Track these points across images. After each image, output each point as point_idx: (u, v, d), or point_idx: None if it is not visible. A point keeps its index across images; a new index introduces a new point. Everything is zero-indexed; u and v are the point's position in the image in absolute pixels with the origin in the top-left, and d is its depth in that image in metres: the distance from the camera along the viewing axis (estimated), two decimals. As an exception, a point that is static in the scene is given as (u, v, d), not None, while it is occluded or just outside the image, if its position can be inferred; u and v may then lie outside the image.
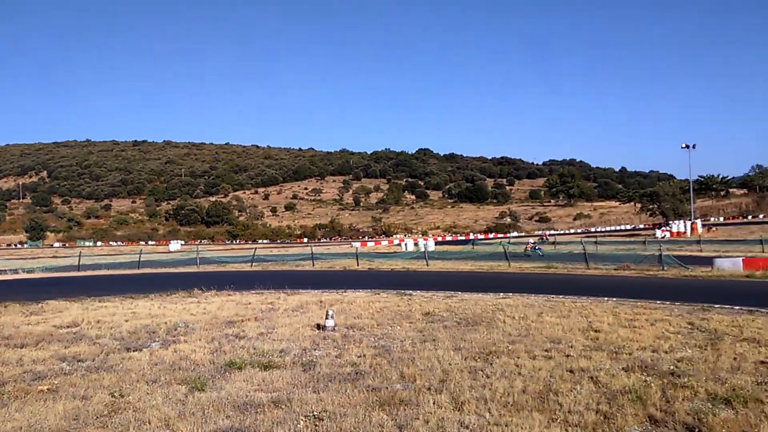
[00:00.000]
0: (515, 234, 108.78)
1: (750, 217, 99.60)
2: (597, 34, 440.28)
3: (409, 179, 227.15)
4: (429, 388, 8.64)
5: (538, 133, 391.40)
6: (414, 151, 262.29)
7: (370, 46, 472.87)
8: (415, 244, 67.58)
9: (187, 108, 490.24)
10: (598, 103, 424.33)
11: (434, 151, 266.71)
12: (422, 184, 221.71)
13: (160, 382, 9.35)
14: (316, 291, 23.77)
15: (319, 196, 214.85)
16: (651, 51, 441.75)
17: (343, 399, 8.15)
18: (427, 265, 40.36)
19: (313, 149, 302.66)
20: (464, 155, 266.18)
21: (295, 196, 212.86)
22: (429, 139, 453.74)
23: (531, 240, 40.60)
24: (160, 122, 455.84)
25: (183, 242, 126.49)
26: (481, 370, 9.70)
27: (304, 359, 10.82)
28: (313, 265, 44.01)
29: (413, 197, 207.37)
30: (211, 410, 7.75)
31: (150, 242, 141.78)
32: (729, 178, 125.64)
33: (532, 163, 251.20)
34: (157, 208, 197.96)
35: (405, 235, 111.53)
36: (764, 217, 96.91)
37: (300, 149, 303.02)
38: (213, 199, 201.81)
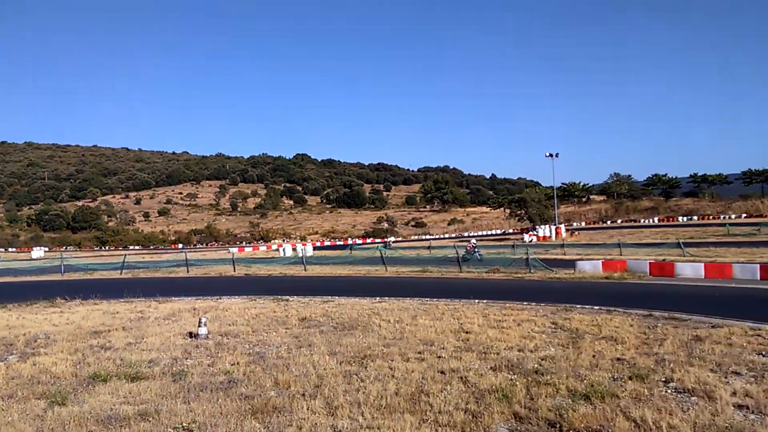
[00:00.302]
0: (393, 239, 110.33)
1: (609, 221, 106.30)
2: (467, 42, 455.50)
3: (287, 184, 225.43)
4: (303, 394, 8.63)
5: (414, 140, 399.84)
6: (292, 156, 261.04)
7: (245, 47, 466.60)
8: (294, 249, 67.11)
9: (49, 108, 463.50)
10: (471, 112, 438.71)
11: (312, 157, 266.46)
12: (300, 189, 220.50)
13: (17, 397, 8.83)
14: (189, 298, 23.14)
15: (195, 201, 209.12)
16: (517, 63, 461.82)
17: (215, 409, 7.99)
18: (305, 270, 40.20)
19: (187, 153, 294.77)
20: (342, 161, 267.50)
21: (169, 201, 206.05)
22: (307, 145, 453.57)
23: (473, 240, 41.34)
24: (21, 122, 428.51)
25: (47, 249, 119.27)
26: (356, 374, 9.79)
27: (174, 369, 10.52)
28: (188, 271, 42.79)
29: (291, 202, 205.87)
30: (72, 425, 7.39)
31: (10, 249, 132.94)
32: (590, 185, 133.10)
33: (408, 170, 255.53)
34: (18, 213, 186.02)
35: (284, 241, 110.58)
36: (621, 221, 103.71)
37: (174, 153, 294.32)
38: (80, 203, 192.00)
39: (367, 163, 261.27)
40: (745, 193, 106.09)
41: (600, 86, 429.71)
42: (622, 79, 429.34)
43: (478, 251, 37.33)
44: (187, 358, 11.51)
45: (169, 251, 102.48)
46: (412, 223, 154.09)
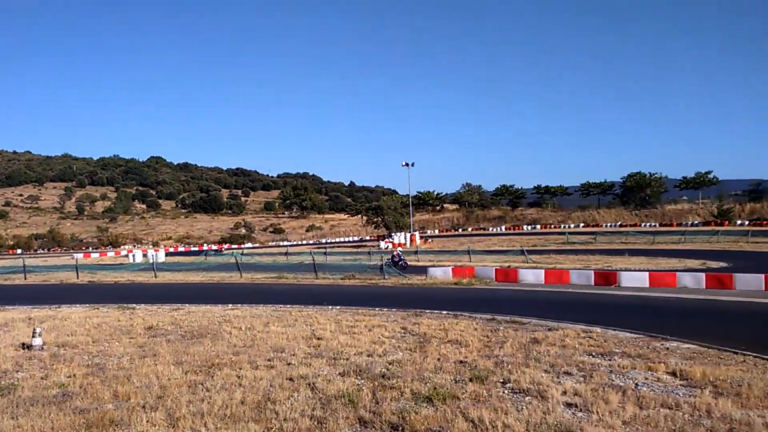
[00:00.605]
0: (249, 245, 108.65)
1: (460, 229, 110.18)
2: (328, 46, 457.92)
3: (140, 188, 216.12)
4: (144, 406, 8.31)
5: (274, 146, 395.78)
6: (146, 159, 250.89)
7: (94, 42, 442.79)
8: (144, 255, 64.57)
9: None
10: (332, 120, 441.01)
11: (167, 160, 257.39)
12: (154, 193, 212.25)
13: None
14: (25, 307, 21.72)
15: (37, 203, 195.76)
16: (378, 70, 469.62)
17: (45, 424, 7.53)
18: (156, 276, 38.80)
19: (30, 153, 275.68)
20: (199, 165, 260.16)
21: (7, 203, 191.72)
22: (162, 147, 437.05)
23: (398, 249, 40.78)
24: None
25: None
26: (202, 384, 9.56)
27: (3, 382, 9.82)
28: (26, 278, 40.09)
29: (144, 207, 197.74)
30: None
31: None
32: (443, 194, 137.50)
33: (267, 175, 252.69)
34: None
35: (134, 246, 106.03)
36: (472, 229, 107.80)
37: (15, 152, 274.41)
38: None
39: (225, 168, 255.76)
40: (583, 204, 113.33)
41: (454, 98, 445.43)
42: (475, 93, 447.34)
43: (402, 259, 37.34)
44: (18, 371, 10.79)
45: (5, 257, 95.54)
46: (270, 229, 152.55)
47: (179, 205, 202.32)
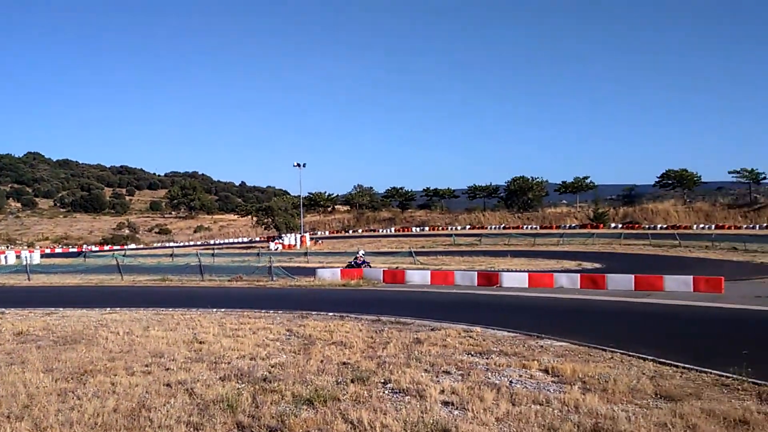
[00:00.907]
0: (133, 246, 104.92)
1: (351, 231, 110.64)
2: (218, 44, 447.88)
3: (15, 185, 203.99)
4: (9, 416, 7.89)
5: (161, 143, 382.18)
6: (22, 155, 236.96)
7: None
8: (18, 257, 61.11)
9: None
10: (221, 118, 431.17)
11: (46, 156, 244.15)
12: (30, 191, 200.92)
13: None
14: None
15: None
16: (268, 71, 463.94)
17: None
18: (29, 279, 36.85)
19: None
20: (80, 162, 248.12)
21: None
22: (40, 143, 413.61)
23: (361, 251, 39.27)
24: None
25: None
26: (72, 392, 9.17)
27: None
28: None
29: (19, 205, 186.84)
30: None
31: None
32: (334, 195, 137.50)
33: (154, 174, 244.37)
34: None
35: (7, 247, 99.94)
36: (362, 231, 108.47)
37: None
38: None
39: (108, 165, 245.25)
40: (469, 207, 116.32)
41: (346, 99, 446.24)
42: (367, 96, 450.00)
43: (366, 262, 36.33)
44: None
45: None
46: (156, 229, 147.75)
47: (58, 204, 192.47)
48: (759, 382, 9.30)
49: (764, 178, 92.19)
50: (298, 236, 79.33)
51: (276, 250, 70.14)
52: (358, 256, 36.58)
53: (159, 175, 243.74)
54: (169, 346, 12.93)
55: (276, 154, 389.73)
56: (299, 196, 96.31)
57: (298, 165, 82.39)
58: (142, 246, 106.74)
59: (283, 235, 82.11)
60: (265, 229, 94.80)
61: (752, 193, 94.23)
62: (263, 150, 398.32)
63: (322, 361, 11.14)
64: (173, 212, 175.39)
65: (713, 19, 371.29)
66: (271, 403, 8.29)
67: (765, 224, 78.84)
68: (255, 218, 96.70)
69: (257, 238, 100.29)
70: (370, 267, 34.55)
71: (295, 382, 9.41)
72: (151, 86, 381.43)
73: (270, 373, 10.20)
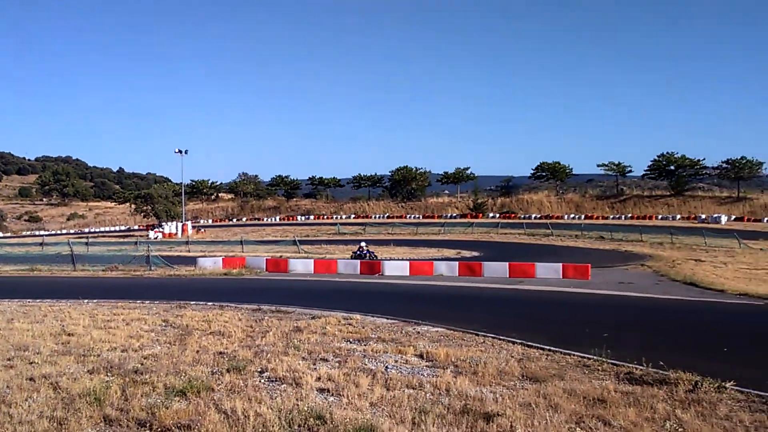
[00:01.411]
0: (0, 234, 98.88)
1: (235, 219, 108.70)
2: (101, 29, 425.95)
3: None
4: None
5: (31, 126, 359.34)
6: None
7: None
8: None
9: None
10: (96, 100, 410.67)
11: None
12: None
13: None
14: None
15: None
16: (145, 50, 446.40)
17: None
18: None
19: None
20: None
21: None
22: None
23: (363, 242, 36.65)
24: None
25: None
26: (-74, 388, 8.60)
27: None
28: None
29: None
30: None
31: None
32: (218, 183, 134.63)
33: (24, 158, 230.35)
34: None
35: None
36: (247, 219, 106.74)
37: None
38: None
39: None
40: (354, 196, 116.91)
41: (231, 86, 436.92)
42: (252, 84, 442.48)
43: (371, 252, 34.39)
44: None
45: None
46: (26, 217, 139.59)
47: None
48: (617, 362, 9.94)
49: (630, 171, 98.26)
50: (180, 225, 77.25)
51: (156, 238, 68.10)
52: (361, 246, 35.59)
53: (29, 160, 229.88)
54: (35, 339, 12.33)
55: (157, 140, 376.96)
56: (181, 183, 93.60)
57: (180, 152, 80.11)
58: (9, 234, 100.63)
59: (163, 223, 79.73)
60: (144, 217, 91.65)
61: (619, 185, 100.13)
62: (143, 135, 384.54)
63: (197, 352, 10.96)
64: (44, 199, 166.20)
65: (589, 23, 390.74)
66: (141, 396, 8.07)
67: (630, 215, 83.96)
68: (134, 206, 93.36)
69: (136, 227, 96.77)
70: (376, 257, 33.72)
71: (168, 374, 9.21)
72: (20, 66, 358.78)
73: (142, 365, 9.93)
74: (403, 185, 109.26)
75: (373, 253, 35.19)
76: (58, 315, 15.78)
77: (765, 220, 73.71)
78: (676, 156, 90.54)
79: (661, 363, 9.28)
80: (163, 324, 14.31)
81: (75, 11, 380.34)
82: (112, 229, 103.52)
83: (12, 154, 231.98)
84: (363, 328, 13.54)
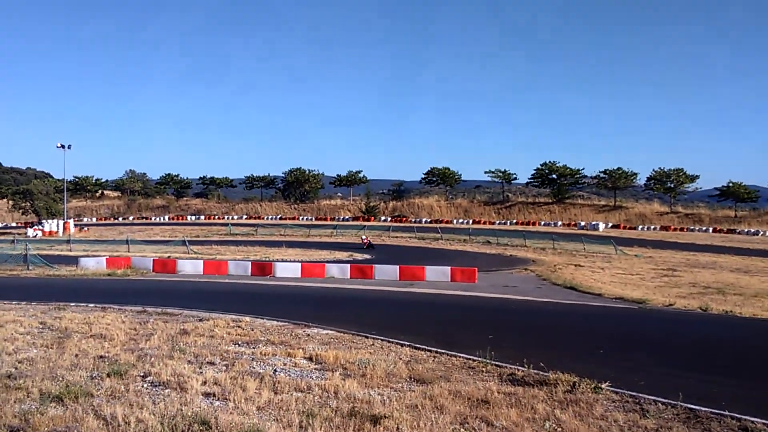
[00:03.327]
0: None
1: (121, 218, 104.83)
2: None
3: None
4: None
5: None
6: None
7: None
8: None
9: None
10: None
11: None
12: None
13: None
14: None
15: None
16: (22, 35, 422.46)
17: None
18: None
19: None
20: None
21: None
22: None
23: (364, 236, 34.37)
24: None
25: None
26: None
27: None
28: None
29: None
30: None
31: None
32: (104, 180, 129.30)
33: None
34: None
35: None
36: (134, 218, 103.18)
37: None
38: None
39: None
40: (247, 197, 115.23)
41: (117, 78, 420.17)
42: (138, 78, 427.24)
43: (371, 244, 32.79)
44: None
45: None
46: None
47: None
48: (500, 364, 10.31)
49: (515, 178, 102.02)
50: (61, 222, 73.82)
51: (35, 236, 64.76)
52: (363, 239, 34.66)
53: None
54: None
55: (38, 134, 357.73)
56: (63, 179, 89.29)
57: (63, 146, 76.36)
58: None
59: (43, 221, 75.94)
60: (23, 214, 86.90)
61: (505, 192, 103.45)
62: (23, 128, 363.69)
63: (77, 355, 10.53)
64: None
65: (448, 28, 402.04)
66: (14, 402, 7.69)
67: (515, 220, 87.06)
68: (11, 202, 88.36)
69: (14, 224, 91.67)
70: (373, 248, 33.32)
71: (44, 378, 8.82)
72: None
73: (16, 369, 9.47)
74: (296, 187, 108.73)
75: (371, 243, 35.80)
76: None
77: (639, 228, 78.08)
78: (558, 165, 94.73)
79: (542, 364, 9.73)
80: (41, 326, 13.66)
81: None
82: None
83: None
84: (252, 330, 13.42)
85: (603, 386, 8.80)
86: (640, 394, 8.56)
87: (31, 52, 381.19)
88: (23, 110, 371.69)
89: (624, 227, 79.27)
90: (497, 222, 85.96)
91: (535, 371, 9.66)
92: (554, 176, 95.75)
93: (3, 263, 31.77)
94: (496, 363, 10.35)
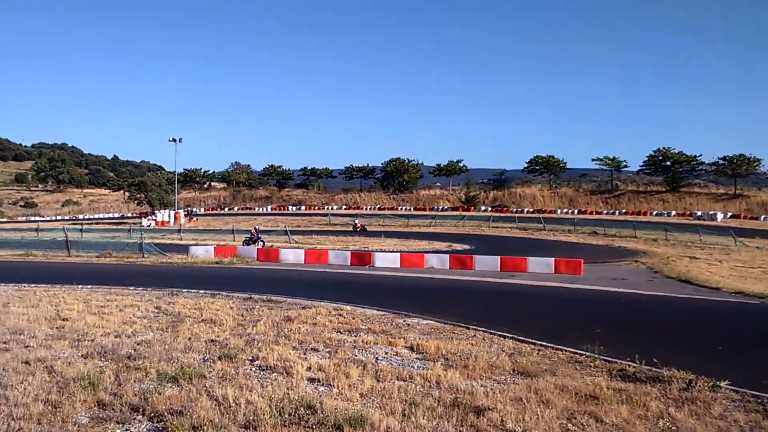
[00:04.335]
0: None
1: (227, 208, 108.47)
2: (95, 17, 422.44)
3: None
4: None
5: (28, 113, 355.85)
6: None
7: None
8: None
9: None
10: (93, 89, 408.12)
11: None
12: None
13: None
14: None
15: None
16: (149, 44, 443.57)
17: None
18: None
19: None
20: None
21: None
22: None
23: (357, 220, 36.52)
24: None
25: None
26: None
27: None
28: None
29: None
30: None
31: None
32: (211, 172, 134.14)
33: (20, 145, 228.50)
34: None
35: None
36: (239, 209, 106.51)
37: None
38: None
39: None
40: (346, 187, 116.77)
41: (224, 76, 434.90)
42: (246, 74, 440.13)
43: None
44: None
45: None
46: (21, 203, 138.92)
47: None
48: (610, 359, 10.03)
49: (625, 166, 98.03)
50: (172, 213, 77.09)
51: (149, 226, 67.91)
52: (356, 224, 35.31)
53: (25, 146, 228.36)
54: (30, 323, 12.35)
55: (152, 129, 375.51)
56: (174, 171, 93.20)
57: (174, 140, 79.65)
58: (5, 220, 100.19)
59: (156, 211, 79.56)
60: (138, 204, 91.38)
61: (613, 180, 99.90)
62: (138, 123, 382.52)
63: (189, 339, 11.01)
64: (40, 185, 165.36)
65: (587, 17, 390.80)
66: (134, 381, 8.13)
67: (624, 210, 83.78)
68: (127, 193, 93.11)
69: (129, 214, 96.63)
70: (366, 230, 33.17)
71: (161, 360, 9.27)
72: (18, 53, 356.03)
73: (135, 350, 9.99)
74: (395, 177, 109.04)
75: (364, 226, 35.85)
76: (52, 300, 15.79)
77: (762, 218, 73.03)
78: (672, 152, 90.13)
79: (655, 360, 9.37)
80: (156, 311, 14.35)
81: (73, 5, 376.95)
82: (106, 216, 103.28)
83: (9, 141, 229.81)
84: (353, 319, 13.61)
85: (722, 385, 8.36)
86: (763, 394, 8.13)
87: (148, 54, 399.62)
88: (139, 107, 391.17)
89: (745, 217, 74.34)
90: (605, 212, 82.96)
91: (648, 367, 9.31)
92: (668, 163, 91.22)
93: (121, 251, 33.49)
94: (605, 358, 10.08)
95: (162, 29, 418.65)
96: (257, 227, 38.05)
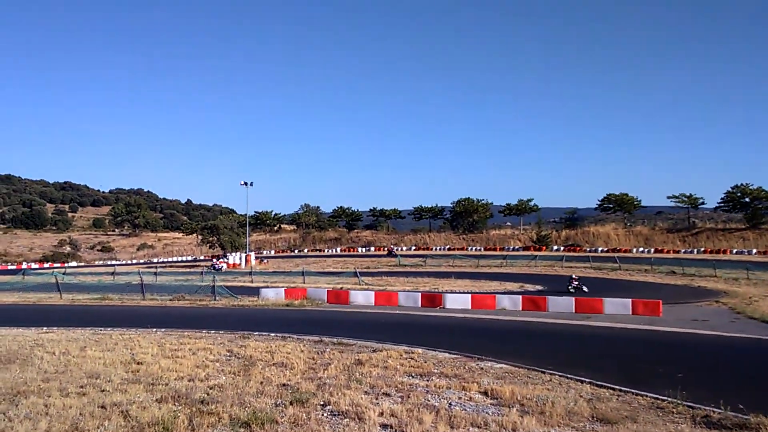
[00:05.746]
0: (74, 264, 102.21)
1: (297, 250, 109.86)
2: (162, 64, 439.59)
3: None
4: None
5: (105, 160, 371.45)
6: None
7: None
8: (-50, 274, 59.01)
9: None
10: (167, 135, 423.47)
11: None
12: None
13: None
14: None
15: None
16: (215, 89, 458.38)
17: None
18: (-38, 297, 35.53)
19: None
20: (22, 177, 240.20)
21: None
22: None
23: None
24: None
25: None
26: (4, 413, 8.89)
27: None
28: None
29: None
30: None
31: None
32: (281, 214, 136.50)
33: (98, 191, 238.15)
34: None
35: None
36: (308, 250, 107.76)
37: None
38: None
39: (52, 181, 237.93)
40: (415, 228, 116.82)
41: (294, 120, 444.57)
42: (312, 117, 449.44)
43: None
44: None
45: None
46: (99, 247, 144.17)
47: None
48: (693, 405, 9.55)
49: (703, 203, 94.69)
50: (244, 255, 78.43)
51: (220, 269, 69.20)
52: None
53: (103, 192, 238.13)
54: (106, 367, 12.64)
55: (223, 173, 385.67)
56: (245, 214, 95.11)
57: (245, 183, 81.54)
58: (83, 264, 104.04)
59: (228, 254, 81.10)
60: (210, 247, 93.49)
61: (690, 218, 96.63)
62: (210, 168, 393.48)
63: (261, 383, 11.03)
64: (116, 230, 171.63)
65: (641, 47, 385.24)
66: (207, 426, 8.16)
67: (702, 248, 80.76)
68: (200, 236, 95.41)
69: (202, 257, 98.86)
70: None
71: (233, 404, 9.29)
72: (96, 102, 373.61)
73: (208, 394, 10.05)
74: (465, 217, 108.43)
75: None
76: (128, 343, 16.16)
77: None
78: (751, 187, 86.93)
79: (741, 406, 8.90)
80: (228, 354, 14.49)
81: (142, 44, 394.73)
82: (180, 259, 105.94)
83: (87, 187, 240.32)
84: (425, 362, 13.40)
85: (815, 432, 7.84)
86: None
87: (220, 99, 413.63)
88: (211, 152, 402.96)
89: (832, 254, 70.97)
90: (682, 251, 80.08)
91: (734, 413, 8.84)
92: (747, 199, 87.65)
93: (194, 294, 34.16)
94: (688, 404, 9.60)
95: (230, 78, 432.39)
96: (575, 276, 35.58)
